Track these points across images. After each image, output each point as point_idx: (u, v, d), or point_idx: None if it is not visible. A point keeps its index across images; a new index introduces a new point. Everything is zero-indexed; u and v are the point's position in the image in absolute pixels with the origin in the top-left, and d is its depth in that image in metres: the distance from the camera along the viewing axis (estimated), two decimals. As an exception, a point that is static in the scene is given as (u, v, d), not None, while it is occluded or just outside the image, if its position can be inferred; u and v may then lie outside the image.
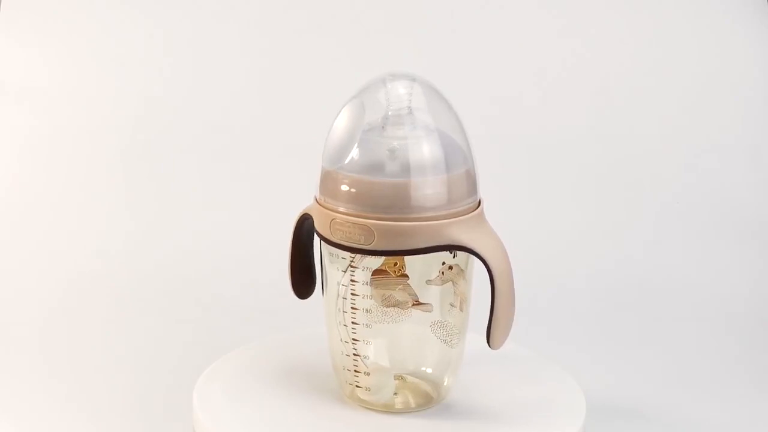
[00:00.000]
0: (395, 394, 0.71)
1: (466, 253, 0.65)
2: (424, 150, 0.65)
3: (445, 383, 0.71)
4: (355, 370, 0.69)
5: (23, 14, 1.13)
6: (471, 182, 0.66)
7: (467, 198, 0.65)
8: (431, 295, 0.68)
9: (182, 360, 0.83)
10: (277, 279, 0.93)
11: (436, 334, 0.69)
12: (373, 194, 0.64)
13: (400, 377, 0.71)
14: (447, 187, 0.64)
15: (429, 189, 0.64)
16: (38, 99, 1.12)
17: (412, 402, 0.71)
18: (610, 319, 0.95)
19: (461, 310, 0.69)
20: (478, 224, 0.65)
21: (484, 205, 0.67)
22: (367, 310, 0.67)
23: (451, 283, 0.67)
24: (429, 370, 0.71)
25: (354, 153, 0.65)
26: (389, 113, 0.66)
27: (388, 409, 0.70)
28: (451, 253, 0.66)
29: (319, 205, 0.67)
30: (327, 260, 0.68)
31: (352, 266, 0.66)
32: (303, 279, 0.72)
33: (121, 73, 1.14)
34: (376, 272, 0.66)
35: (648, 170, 1.13)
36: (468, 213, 0.65)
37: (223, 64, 1.15)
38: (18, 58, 1.13)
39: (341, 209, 0.65)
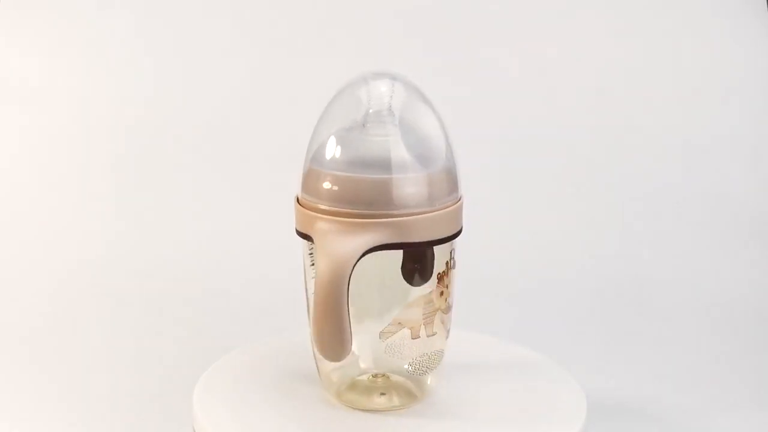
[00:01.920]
0: (382, 393, 0.71)
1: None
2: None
3: (428, 381, 0.71)
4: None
5: (18, 14, 1.14)
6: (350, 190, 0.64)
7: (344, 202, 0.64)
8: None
9: (182, 360, 0.83)
10: (278, 279, 0.94)
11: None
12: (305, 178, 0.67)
13: (384, 375, 0.71)
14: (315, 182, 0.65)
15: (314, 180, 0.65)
16: (33, 98, 1.13)
17: (396, 400, 0.71)
18: (611, 317, 0.94)
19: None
20: (348, 231, 0.63)
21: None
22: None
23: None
24: (410, 368, 0.71)
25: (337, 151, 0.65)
26: (370, 111, 0.66)
27: (374, 408, 0.70)
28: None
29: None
30: None
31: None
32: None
33: (114, 74, 1.14)
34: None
35: (650, 168, 1.12)
36: (348, 217, 0.63)
37: (215, 63, 1.15)
38: (12, 57, 1.14)
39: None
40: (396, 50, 1.13)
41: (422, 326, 0.67)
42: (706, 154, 1.13)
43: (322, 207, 0.65)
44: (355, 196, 0.63)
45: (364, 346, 0.70)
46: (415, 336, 0.67)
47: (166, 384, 0.80)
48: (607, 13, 1.16)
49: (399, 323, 0.67)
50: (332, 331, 0.62)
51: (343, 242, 0.62)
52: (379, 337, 0.67)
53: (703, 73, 1.15)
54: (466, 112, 0.89)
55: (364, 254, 0.62)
